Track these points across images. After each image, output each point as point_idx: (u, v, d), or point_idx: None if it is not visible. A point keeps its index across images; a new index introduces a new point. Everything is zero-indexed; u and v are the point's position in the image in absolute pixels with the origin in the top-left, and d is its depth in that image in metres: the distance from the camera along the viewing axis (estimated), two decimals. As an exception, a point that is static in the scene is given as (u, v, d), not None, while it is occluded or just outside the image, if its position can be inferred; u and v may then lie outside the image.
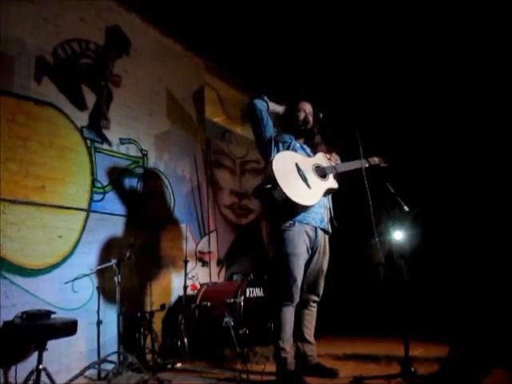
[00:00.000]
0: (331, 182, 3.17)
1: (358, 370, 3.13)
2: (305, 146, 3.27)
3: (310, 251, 3.07)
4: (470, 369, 2.20)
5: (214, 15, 4.57)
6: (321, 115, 3.22)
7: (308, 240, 3.04)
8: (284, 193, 2.82)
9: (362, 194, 2.96)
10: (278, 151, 3.09)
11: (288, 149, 3.14)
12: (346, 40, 4.88)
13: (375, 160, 3.30)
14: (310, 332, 3.20)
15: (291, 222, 2.97)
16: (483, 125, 4.68)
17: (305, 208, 2.97)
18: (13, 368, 2.77)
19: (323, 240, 3.17)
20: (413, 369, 2.75)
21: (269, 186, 2.88)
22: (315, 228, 3.08)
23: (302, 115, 3.24)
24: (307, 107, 3.27)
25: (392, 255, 3.06)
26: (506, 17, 4.24)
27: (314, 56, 5.14)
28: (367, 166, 3.17)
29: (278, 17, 4.62)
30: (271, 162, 2.93)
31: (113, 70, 4.08)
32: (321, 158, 3.23)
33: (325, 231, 3.18)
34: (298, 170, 3.00)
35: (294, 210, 2.95)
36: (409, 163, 4.72)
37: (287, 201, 2.84)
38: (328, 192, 3.15)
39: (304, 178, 2.99)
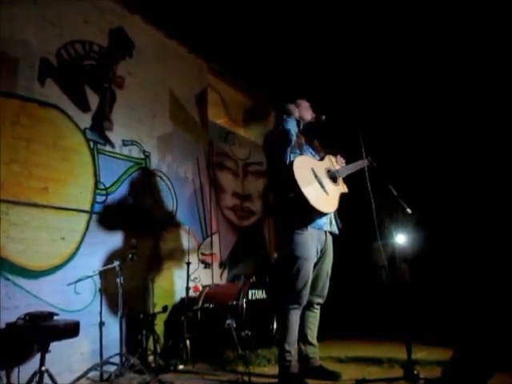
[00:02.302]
0: (342, 187, 3.23)
1: (360, 372, 3.11)
2: (307, 147, 3.26)
3: (318, 254, 3.09)
4: (473, 372, 2.19)
5: (217, 17, 4.57)
6: (323, 117, 3.21)
7: (318, 244, 3.06)
8: (308, 201, 2.82)
9: (365, 196, 2.96)
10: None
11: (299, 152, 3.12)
12: (347, 41, 4.87)
13: (369, 159, 3.32)
14: (313, 334, 3.20)
15: (304, 226, 2.97)
16: (485, 129, 4.66)
17: (322, 214, 2.98)
18: (15, 369, 2.77)
19: (329, 242, 3.19)
20: (415, 372, 2.74)
21: (292, 194, 2.87)
22: (325, 232, 3.11)
23: (309, 116, 3.21)
24: (303, 103, 3.25)
25: (394, 258, 3.06)
26: (505, 17, 4.23)
27: (316, 57, 5.13)
28: (367, 163, 3.19)
29: (280, 19, 4.62)
30: (292, 169, 2.88)
31: (116, 72, 4.09)
32: (329, 161, 3.24)
33: (331, 233, 3.19)
34: (315, 176, 3.00)
35: (312, 216, 2.96)
36: (411, 166, 4.72)
37: (309, 208, 2.85)
38: (341, 197, 3.17)
39: (321, 185, 3.01)
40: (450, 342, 3.00)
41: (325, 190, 3.01)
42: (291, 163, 2.92)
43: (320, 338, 3.27)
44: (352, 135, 3.08)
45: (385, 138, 4.57)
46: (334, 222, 3.19)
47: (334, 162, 3.30)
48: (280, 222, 3.16)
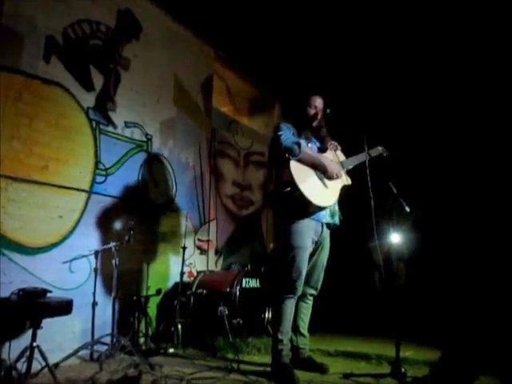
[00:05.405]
0: (345, 179, 3.22)
1: (348, 367, 3.14)
2: (314, 140, 3.25)
3: (313, 245, 3.10)
4: (459, 373, 2.21)
5: (226, 5, 4.53)
6: (328, 110, 3.20)
7: (314, 234, 3.08)
8: (304, 195, 2.84)
9: (364, 194, 2.96)
10: None
11: None
12: (355, 35, 4.85)
13: (379, 150, 3.32)
14: (304, 325, 3.23)
15: (301, 218, 2.99)
16: (485, 130, 4.64)
17: (319, 208, 2.99)
18: (7, 344, 2.80)
19: (326, 235, 3.21)
20: (403, 369, 2.76)
21: (288, 189, 2.89)
22: (322, 224, 3.11)
23: (311, 111, 3.20)
24: (318, 102, 3.22)
25: (390, 258, 3.07)
26: (506, 16, 4.21)
27: (325, 50, 5.10)
28: (371, 157, 3.18)
29: (290, 10, 4.60)
30: (288, 163, 2.92)
31: (122, 54, 4.06)
32: (332, 154, 3.23)
33: (329, 226, 3.19)
34: (314, 167, 3.02)
35: (309, 209, 2.97)
36: (410, 166, 4.71)
37: (306, 202, 2.86)
38: (342, 189, 3.17)
39: (320, 177, 3.02)
40: (439, 342, 3.01)
41: (324, 183, 3.03)
42: (289, 159, 2.94)
43: (311, 331, 3.30)
44: (356, 132, 3.08)
45: (387, 136, 4.55)
46: (336, 213, 3.20)
47: (339, 154, 3.29)
48: (278, 212, 3.18)
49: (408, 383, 2.67)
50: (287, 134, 3.03)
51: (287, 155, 2.95)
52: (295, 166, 2.93)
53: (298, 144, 2.96)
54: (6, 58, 3.11)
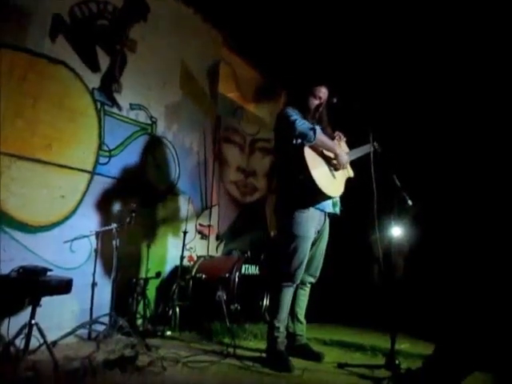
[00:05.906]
0: (349, 171, 3.26)
1: (343, 357, 3.17)
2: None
3: (316, 234, 3.12)
4: (450, 367, 2.22)
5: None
6: (335, 100, 3.17)
7: (318, 224, 3.10)
8: (316, 183, 2.84)
9: (367, 187, 2.96)
10: None
11: None
12: (364, 27, 4.79)
13: (374, 145, 3.29)
14: (301, 312, 3.27)
15: (307, 207, 2.99)
16: (486, 126, 4.60)
17: (328, 198, 2.99)
18: (6, 321, 2.83)
19: (327, 224, 3.23)
20: (397, 361, 2.78)
21: (302, 176, 2.88)
22: (325, 213, 3.13)
23: (315, 102, 3.17)
24: (322, 92, 3.18)
25: (390, 251, 3.07)
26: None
27: (333, 40, 5.04)
28: (373, 149, 3.16)
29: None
30: (302, 151, 2.91)
31: (129, 35, 4.02)
32: (338, 145, 3.22)
33: (331, 215, 3.21)
34: (324, 158, 3.02)
35: (317, 197, 2.97)
36: (412, 161, 4.68)
37: (316, 190, 2.86)
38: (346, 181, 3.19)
39: (330, 168, 3.04)
40: (435, 336, 3.03)
41: (332, 174, 3.04)
42: (302, 145, 2.92)
43: (308, 320, 3.32)
44: (362, 126, 3.07)
45: (392, 130, 4.52)
46: (337, 203, 3.21)
47: (343, 145, 3.29)
48: (283, 200, 3.16)
49: (401, 375, 2.69)
50: (301, 119, 3.00)
51: (302, 140, 2.94)
52: (309, 153, 2.92)
53: (314, 130, 2.95)
54: (12, 35, 3.08)
